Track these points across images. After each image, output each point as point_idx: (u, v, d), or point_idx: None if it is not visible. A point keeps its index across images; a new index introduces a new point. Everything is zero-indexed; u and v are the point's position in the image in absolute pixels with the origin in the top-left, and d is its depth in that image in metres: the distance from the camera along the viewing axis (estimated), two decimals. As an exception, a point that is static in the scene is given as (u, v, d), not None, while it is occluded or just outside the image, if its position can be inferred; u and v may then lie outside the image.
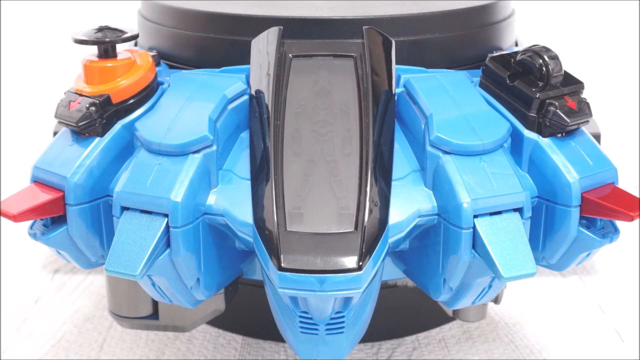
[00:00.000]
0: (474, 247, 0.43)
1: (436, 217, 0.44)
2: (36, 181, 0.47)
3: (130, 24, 0.55)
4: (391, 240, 0.43)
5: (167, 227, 0.43)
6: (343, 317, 0.43)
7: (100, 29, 0.48)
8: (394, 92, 0.47)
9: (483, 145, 0.44)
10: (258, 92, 0.46)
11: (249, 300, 0.58)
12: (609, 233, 0.46)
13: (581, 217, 0.45)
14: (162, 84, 0.50)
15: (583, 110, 0.46)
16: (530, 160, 0.46)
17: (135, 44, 0.58)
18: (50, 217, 0.46)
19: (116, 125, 0.46)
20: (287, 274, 0.40)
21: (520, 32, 0.65)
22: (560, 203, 0.45)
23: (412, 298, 0.59)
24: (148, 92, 0.48)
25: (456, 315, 0.54)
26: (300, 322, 0.43)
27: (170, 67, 0.54)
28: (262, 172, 0.43)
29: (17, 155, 0.95)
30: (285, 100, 0.45)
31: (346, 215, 0.42)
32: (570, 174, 0.44)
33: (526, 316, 0.64)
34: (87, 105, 0.46)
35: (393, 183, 0.44)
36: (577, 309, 0.66)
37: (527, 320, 0.64)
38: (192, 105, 0.46)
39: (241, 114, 0.47)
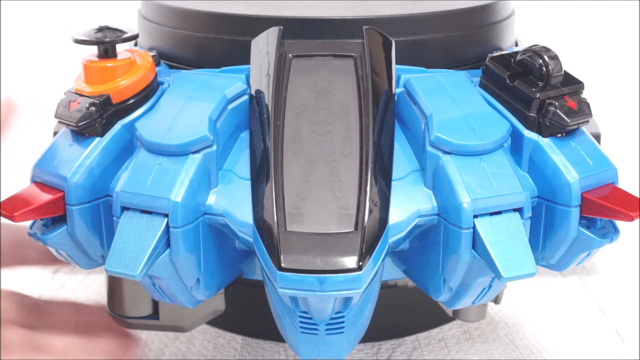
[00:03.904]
0: (474, 247, 0.43)
1: (436, 217, 0.44)
2: (36, 181, 0.47)
3: (130, 24, 0.55)
4: (391, 240, 0.43)
5: (167, 227, 0.43)
6: (343, 317, 0.43)
7: (100, 29, 0.48)
8: (394, 92, 0.47)
9: (483, 145, 0.44)
10: (258, 92, 0.46)
11: (249, 300, 0.58)
12: (609, 233, 0.46)
13: (581, 217, 0.45)
14: (162, 84, 0.50)
15: (583, 110, 0.46)
16: (530, 160, 0.46)
17: (135, 44, 0.58)
18: (50, 217, 0.46)
19: (116, 125, 0.46)
20: (287, 274, 0.40)
21: (520, 32, 0.65)
22: (560, 203, 0.45)
23: (412, 298, 0.59)
24: (148, 92, 0.48)
25: (456, 315, 0.54)
26: (300, 322, 0.43)
27: (170, 67, 0.54)
28: (262, 172, 0.43)
29: (17, 155, 0.95)
30: (285, 100, 0.45)
31: (346, 215, 0.42)
32: (570, 174, 0.44)
33: (526, 316, 0.64)
34: (87, 105, 0.46)
35: (393, 183, 0.44)
36: (577, 309, 0.66)
37: (527, 320, 0.64)
38: (192, 105, 0.46)
39: (241, 114, 0.47)
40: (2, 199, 0.45)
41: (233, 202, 0.44)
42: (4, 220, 0.47)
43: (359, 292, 0.40)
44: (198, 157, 0.44)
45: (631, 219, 0.43)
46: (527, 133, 0.46)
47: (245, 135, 0.47)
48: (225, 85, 0.47)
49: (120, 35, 0.48)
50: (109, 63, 0.47)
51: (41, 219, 0.47)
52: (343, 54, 0.47)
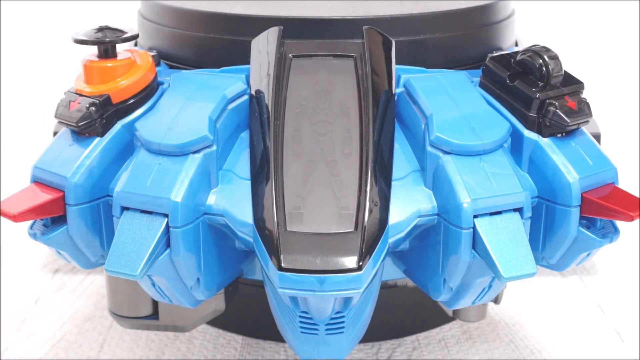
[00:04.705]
0: (474, 247, 0.43)
1: (436, 217, 0.44)
2: (36, 181, 0.47)
3: (130, 24, 0.55)
4: (391, 240, 0.43)
5: (167, 227, 0.43)
6: (343, 317, 0.43)
7: (100, 29, 0.48)
8: (394, 92, 0.47)
9: (483, 145, 0.44)
10: (258, 92, 0.46)
11: (249, 300, 0.58)
12: (609, 233, 0.46)
13: (581, 217, 0.45)
14: (162, 84, 0.50)
15: (583, 110, 0.46)
16: (530, 160, 0.46)
17: (135, 44, 0.58)
18: (50, 217, 0.46)
19: (116, 125, 0.46)
20: (287, 274, 0.40)
21: (520, 32, 0.65)
22: (560, 203, 0.45)
23: (412, 298, 0.59)
24: (148, 92, 0.48)
25: (456, 315, 0.54)
26: (300, 322, 0.43)
27: (170, 67, 0.54)
28: (262, 172, 0.43)
29: (17, 155, 0.95)
30: (285, 100, 0.45)
31: (346, 215, 0.42)
32: (570, 174, 0.44)
33: (526, 316, 0.64)
34: (87, 105, 0.46)
35: (393, 183, 0.44)
36: (577, 309, 0.66)
37: (527, 320, 0.64)
38: (192, 105, 0.46)
39: (241, 114, 0.47)
40: (2, 199, 0.45)
41: (233, 202, 0.44)
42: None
43: (359, 292, 0.40)
44: (198, 157, 0.44)
45: (631, 219, 0.43)
46: (527, 133, 0.46)
47: (245, 135, 0.47)
48: (225, 85, 0.47)
49: (120, 35, 0.48)
50: (109, 63, 0.47)
51: (41, 219, 0.47)
52: (343, 54, 0.47)
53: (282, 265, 0.40)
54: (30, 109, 1.02)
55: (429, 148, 0.44)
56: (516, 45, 0.59)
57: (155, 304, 0.52)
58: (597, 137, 0.55)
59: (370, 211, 0.42)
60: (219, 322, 0.62)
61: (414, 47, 0.51)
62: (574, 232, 0.45)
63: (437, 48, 0.52)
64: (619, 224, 0.47)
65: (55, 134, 0.58)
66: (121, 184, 0.44)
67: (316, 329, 0.43)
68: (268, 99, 0.45)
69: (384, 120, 0.45)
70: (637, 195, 0.45)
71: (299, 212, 0.42)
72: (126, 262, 0.42)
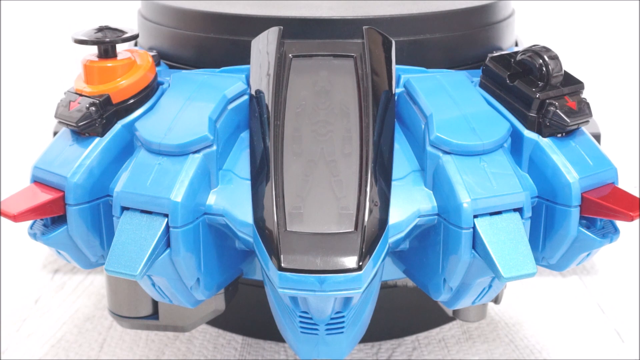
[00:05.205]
0: (474, 247, 0.43)
1: (436, 217, 0.44)
2: (36, 181, 0.47)
3: (130, 24, 0.55)
4: (391, 240, 0.43)
5: (167, 227, 0.43)
6: (343, 317, 0.43)
7: (100, 29, 0.48)
8: (394, 92, 0.47)
9: (483, 145, 0.44)
10: (258, 92, 0.46)
11: (249, 300, 0.58)
12: (609, 233, 0.46)
13: (581, 217, 0.45)
14: (162, 84, 0.50)
15: (583, 110, 0.46)
16: (530, 160, 0.46)
17: (135, 44, 0.58)
18: (50, 217, 0.46)
19: (116, 125, 0.46)
20: (287, 274, 0.40)
21: (520, 32, 0.65)
22: (560, 203, 0.45)
23: (412, 298, 0.59)
24: (148, 92, 0.48)
25: (456, 315, 0.54)
26: (300, 322, 0.43)
27: (170, 67, 0.54)
28: (262, 172, 0.43)
29: (17, 155, 0.95)
30: (285, 100, 0.45)
31: (346, 215, 0.42)
32: (570, 174, 0.44)
33: (526, 316, 0.64)
34: (87, 105, 0.46)
35: (393, 183, 0.44)
36: (577, 309, 0.66)
37: (527, 320, 0.64)
38: (192, 105, 0.46)
39: (241, 114, 0.47)
40: (2, 199, 0.45)
41: (233, 202, 0.44)
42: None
43: (359, 292, 0.40)
44: (198, 157, 0.44)
45: (631, 219, 0.43)
46: (527, 133, 0.46)
47: (245, 135, 0.47)
48: (225, 85, 0.47)
49: (120, 35, 0.48)
50: (109, 63, 0.47)
51: (41, 219, 0.47)
52: (343, 54, 0.47)
53: (282, 265, 0.40)
54: (30, 109, 1.02)
55: (429, 148, 0.44)
56: (516, 45, 0.59)
57: (155, 304, 0.52)
58: (597, 137, 0.55)
59: (370, 211, 0.42)
60: (219, 322, 0.62)
61: (413, 47, 0.51)
62: (574, 232, 0.45)
63: (437, 48, 0.52)
64: (619, 224, 0.47)
65: (55, 134, 0.58)
66: (121, 184, 0.44)
67: (316, 329, 0.43)
68: (268, 99, 0.45)
69: (384, 120, 0.45)
70: (637, 195, 0.45)
71: (299, 212, 0.42)
72: (126, 262, 0.42)
